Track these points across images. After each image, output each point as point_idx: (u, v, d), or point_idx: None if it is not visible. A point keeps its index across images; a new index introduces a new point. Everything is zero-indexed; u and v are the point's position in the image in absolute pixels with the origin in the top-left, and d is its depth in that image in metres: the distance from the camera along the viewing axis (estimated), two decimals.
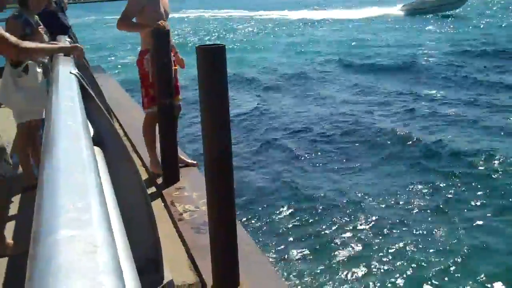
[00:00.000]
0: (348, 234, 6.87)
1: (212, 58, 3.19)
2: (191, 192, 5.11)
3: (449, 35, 28.34)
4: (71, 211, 0.85)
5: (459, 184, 8.34)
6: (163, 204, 4.97)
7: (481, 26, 31.73)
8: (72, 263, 0.69)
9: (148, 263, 2.84)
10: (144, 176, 5.40)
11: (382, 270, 6.06)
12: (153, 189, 5.27)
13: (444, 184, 8.36)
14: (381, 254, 6.36)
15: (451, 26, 32.75)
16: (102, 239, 0.77)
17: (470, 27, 31.55)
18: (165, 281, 3.07)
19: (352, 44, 27.22)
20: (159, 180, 5.42)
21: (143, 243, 2.77)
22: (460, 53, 21.62)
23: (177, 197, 5.02)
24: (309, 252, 6.46)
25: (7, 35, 3.64)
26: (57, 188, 0.96)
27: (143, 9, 5.37)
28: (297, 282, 5.89)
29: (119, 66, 24.74)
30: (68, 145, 1.29)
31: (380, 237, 6.77)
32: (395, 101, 14.19)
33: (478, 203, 7.67)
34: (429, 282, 5.86)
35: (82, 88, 2.44)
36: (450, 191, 8.10)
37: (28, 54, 3.85)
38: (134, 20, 5.48)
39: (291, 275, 5.97)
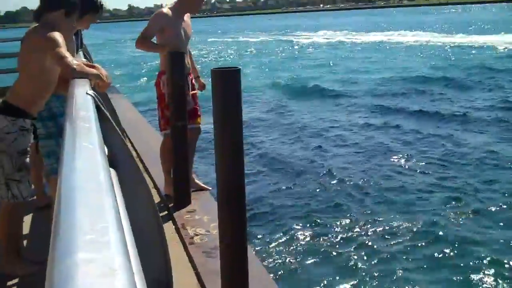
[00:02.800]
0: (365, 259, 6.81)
1: (227, 80, 3.20)
2: (202, 216, 5.10)
3: None
4: (88, 233, 0.84)
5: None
6: (174, 227, 4.96)
7: None
8: (90, 286, 0.68)
9: (159, 286, 2.82)
10: (155, 198, 5.39)
11: None
12: (164, 212, 5.26)
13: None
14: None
15: None
16: (120, 262, 0.76)
17: None
18: None
19: None
20: (170, 203, 5.41)
21: (154, 266, 2.75)
22: None
23: (188, 220, 5.01)
24: (320, 276, 6.41)
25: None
26: (74, 209, 0.95)
27: (163, 29, 5.41)
28: None
29: (132, 87, 24.92)
30: (85, 166, 1.28)
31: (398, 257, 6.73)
32: None
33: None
34: None
35: (98, 108, 2.44)
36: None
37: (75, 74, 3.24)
38: (154, 40, 5.54)
39: None
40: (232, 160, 3.26)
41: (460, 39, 42.86)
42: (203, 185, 5.93)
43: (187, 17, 5.65)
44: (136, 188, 2.70)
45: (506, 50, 32.56)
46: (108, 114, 2.63)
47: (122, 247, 0.83)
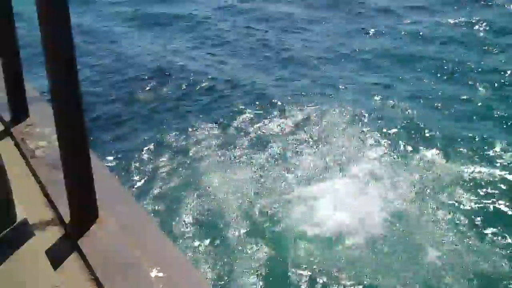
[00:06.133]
0: None
1: None
2: (43, 128, 4.89)
3: None
4: None
5: None
6: (13, 142, 4.72)
7: None
8: None
9: None
10: None
11: None
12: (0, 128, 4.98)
13: None
14: None
15: None
16: None
17: None
18: (18, 220, 2.97)
19: None
20: (6, 117, 5.08)
21: None
22: None
23: (27, 134, 4.79)
24: None
25: None
26: None
27: None
28: None
29: None
30: None
31: None
32: None
33: None
34: None
35: None
36: None
37: None
38: None
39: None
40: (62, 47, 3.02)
41: None
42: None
43: None
44: None
45: None
46: None
47: None
